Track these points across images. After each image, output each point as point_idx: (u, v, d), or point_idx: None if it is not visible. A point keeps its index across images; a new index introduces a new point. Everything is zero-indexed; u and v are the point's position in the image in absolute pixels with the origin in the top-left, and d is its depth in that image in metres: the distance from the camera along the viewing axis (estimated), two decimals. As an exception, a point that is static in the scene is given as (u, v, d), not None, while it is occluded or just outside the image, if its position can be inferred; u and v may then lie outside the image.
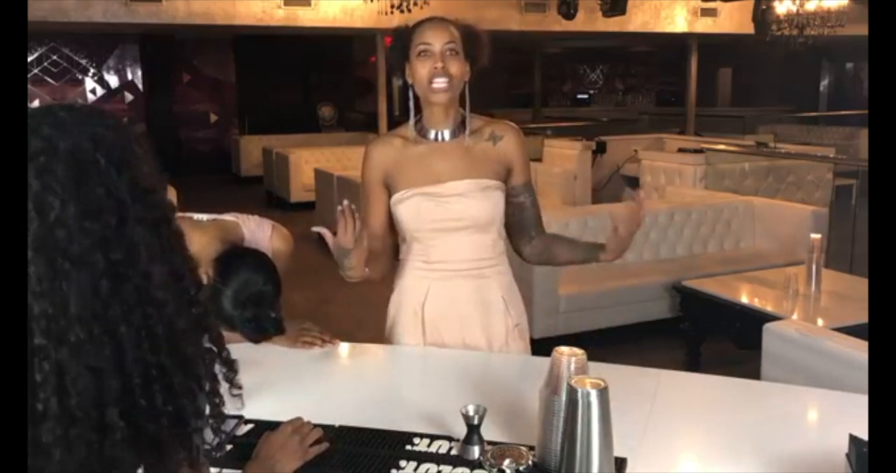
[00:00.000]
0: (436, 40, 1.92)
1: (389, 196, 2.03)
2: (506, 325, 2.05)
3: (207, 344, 0.82)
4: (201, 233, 1.93)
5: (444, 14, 2.02)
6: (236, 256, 1.88)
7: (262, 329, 1.84)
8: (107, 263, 0.68)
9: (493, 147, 2.02)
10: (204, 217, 2.01)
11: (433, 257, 2.01)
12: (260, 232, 2.04)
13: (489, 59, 2.01)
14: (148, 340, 0.70)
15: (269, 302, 1.85)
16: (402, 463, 1.39)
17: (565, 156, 8.58)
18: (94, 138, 0.74)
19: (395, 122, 10.23)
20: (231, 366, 0.91)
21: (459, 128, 2.01)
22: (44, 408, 0.64)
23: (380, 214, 2.05)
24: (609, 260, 1.96)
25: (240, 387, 0.98)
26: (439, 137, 2.01)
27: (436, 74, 1.91)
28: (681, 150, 8.06)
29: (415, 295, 2.04)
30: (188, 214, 2.00)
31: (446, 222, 1.98)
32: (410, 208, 1.99)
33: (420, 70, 1.93)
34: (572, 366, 1.31)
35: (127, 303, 0.68)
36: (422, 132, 2.03)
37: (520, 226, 2.08)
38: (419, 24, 1.98)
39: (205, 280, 1.80)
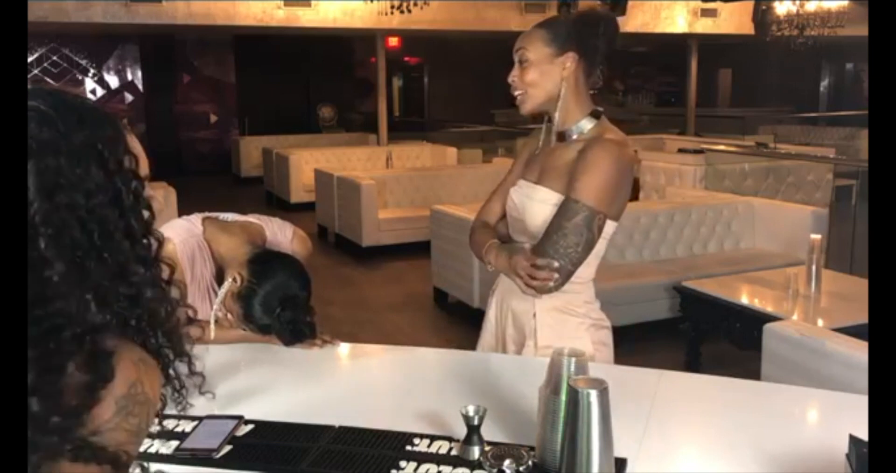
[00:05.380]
0: (514, 47, 1.97)
1: None
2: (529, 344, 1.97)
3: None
4: (229, 236, 1.95)
5: (444, 14, 2.01)
6: (276, 258, 1.90)
7: (300, 332, 1.86)
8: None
9: (572, 159, 1.93)
10: (229, 216, 2.03)
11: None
12: (281, 235, 2.06)
13: (603, 41, 2.01)
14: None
15: (303, 307, 1.86)
16: (403, 464, 1.39)
17: (565, 156, 8.55)
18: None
19: (394, 122, 10.24)
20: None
21: (569, 132, 2.00)
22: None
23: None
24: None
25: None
26: (554, 137, 2.03)
27: (511, 84, 1.99)
28: (681, 151, 8.06)
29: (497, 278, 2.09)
30: (214, 214, 2.02)
31: (512, 220, 2.04)
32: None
33: None
34: (572, 366, 1.31)
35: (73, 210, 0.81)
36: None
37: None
38: None
39: (238, 281, 1.82)
